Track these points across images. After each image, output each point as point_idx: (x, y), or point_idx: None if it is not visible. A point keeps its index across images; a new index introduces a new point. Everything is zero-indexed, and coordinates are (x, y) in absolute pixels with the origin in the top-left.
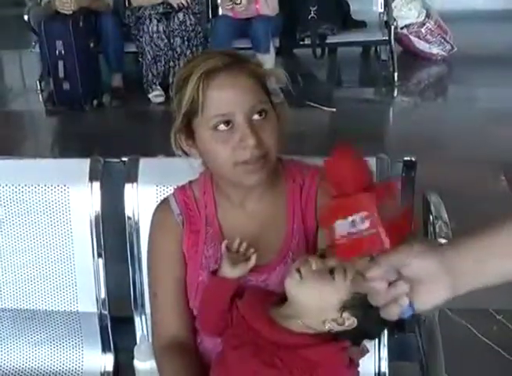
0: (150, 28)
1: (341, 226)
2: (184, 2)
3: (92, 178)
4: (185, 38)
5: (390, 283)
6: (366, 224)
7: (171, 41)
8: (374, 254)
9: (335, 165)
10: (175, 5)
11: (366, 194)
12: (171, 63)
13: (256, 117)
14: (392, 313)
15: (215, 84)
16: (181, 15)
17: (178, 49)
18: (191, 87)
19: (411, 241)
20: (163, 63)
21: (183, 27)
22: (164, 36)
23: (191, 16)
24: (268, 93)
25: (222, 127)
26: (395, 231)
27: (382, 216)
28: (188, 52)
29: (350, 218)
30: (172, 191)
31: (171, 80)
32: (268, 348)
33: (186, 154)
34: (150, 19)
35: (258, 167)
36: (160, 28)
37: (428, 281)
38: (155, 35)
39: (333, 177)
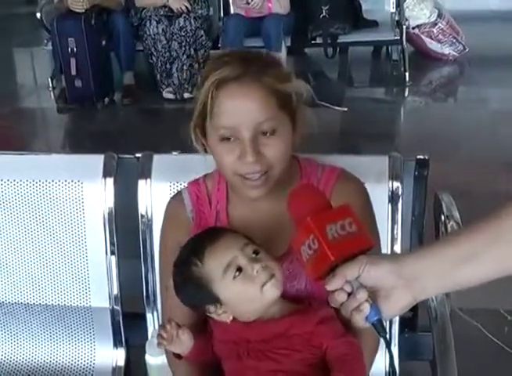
0: (151, 30)
1: (304, 252)
2: (184, 8)
3: (106, 174)
4: (183, 44)
5: (350, 294)
6: (316, 244)
7: (170, 43)
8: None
9: (294, 198)
10: (175, 10)
11: (311, 218)
12: (168, 65)
13: (263, 132)
14: (357, 320)
15: (225, 95)
16: (181, 20)
17: (174, 53)
18: (204, 91)
19: (368, 253)
20: (164, 64)
21: (183, 33)
22: (162, 37)
23: (192, 21)
24: (283, 105)
25: (228, 137)
26: (346, 245)
27: (329, 234)
28: (184, 57)
29: (307, 243)
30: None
31: (176, 81)
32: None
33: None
34: (150, 21)
35: (259, 183)
36: (160, 29)
37: (387, 288)
38: (156, 37)
39: (292, 209)
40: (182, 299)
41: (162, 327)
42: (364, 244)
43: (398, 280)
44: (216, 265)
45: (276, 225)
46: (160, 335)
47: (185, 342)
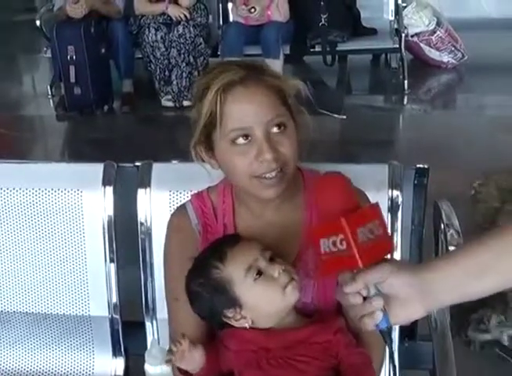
0: (150, 37)
1: (324, 244)
2: (182, 17)
3: (105, 182)
4: (182, 51)
5: (366, 298)
6: (344, 245)
7: (169, 51)
8: (354, 271)
9: (325, 188)
10: (174, 18)
11: (345, 219)
12: (166, 73)
13: (274, 130)
14: (366, 324)
15: (233, 99)
16: (180, 27)
17: (173, 61)
18: (209, 101)
19: (389, 261)
20: (163, 71)
21: (182, 40)
22: (161, 45)
23: (191, 29)
24: (286, 105)
25: (241, 140)
26: (373, 251)
27: (360, 238)
28: (183, 65)
29: (331, 239)
30: (186, 197)
31: (175, 88)
32: (283, 355)
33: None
34: (149, 28)
35: (275, 181)
36: (158, 37)
37: (401, 298)
38: (154, 44)
39: (322, 199)
40: (198, 308)
41: (173, 342)
42: (388, 249)
43: (416, 293)
44: (237, 267)
45: (283, 237)
46: (170, 351)
47: (197, 359)
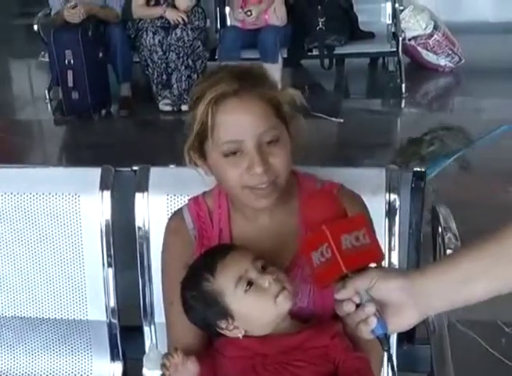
0: (147, 41)
1: (315, 257)
2: (180, 20)
3: (103, 187)
4: (181, 55)
5: (359, 305)
6: (329, 253)
7: (167, 54)
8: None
9: (310, 202)
10: (172, 22)
11: (327, 227)
12: (164, 77)
13: (267, 141)
14: (363, 331)
15: (225, 111)
16: (178, 31)
17: (172, 64)
18: (201, 110)
19: (378, 267)
20: (161, 75)
21: (180, 43)
22: (158, 49)
23: (189, 32)
24: (280, 115)
25: (232, 152)
26: (359, 258)
27: (344, 244)
28: (182, 68)
29: (319, 250)
30: (183, 201)
31: (175, 92)
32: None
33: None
34: (147, 32)
35: (267, 192)
36: (156, 40)
37: (395, 304)
38: (152, 48)
39: (307, 213)
40: (193, 318)
41: (166, 355)
42: (376, 257)
43: (408, 297)
44: (227, 279)
45: (278, 241)
46: (163, 365)
47: (191, 371)
